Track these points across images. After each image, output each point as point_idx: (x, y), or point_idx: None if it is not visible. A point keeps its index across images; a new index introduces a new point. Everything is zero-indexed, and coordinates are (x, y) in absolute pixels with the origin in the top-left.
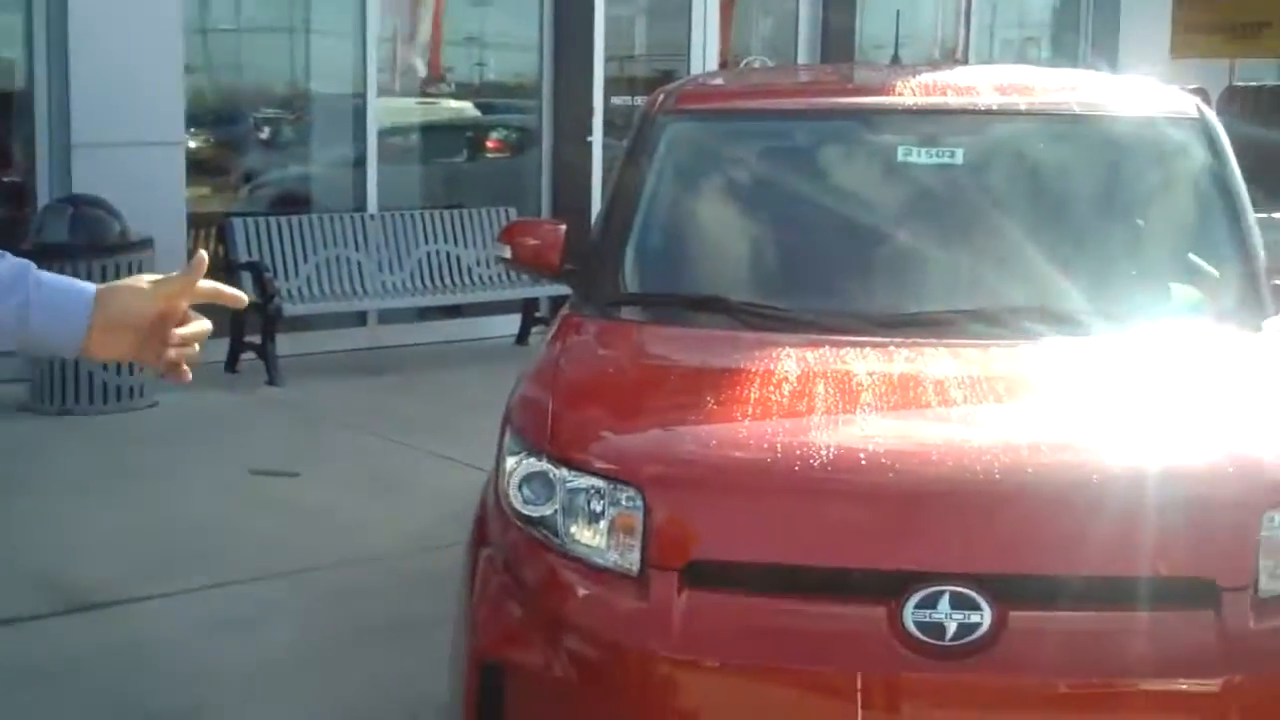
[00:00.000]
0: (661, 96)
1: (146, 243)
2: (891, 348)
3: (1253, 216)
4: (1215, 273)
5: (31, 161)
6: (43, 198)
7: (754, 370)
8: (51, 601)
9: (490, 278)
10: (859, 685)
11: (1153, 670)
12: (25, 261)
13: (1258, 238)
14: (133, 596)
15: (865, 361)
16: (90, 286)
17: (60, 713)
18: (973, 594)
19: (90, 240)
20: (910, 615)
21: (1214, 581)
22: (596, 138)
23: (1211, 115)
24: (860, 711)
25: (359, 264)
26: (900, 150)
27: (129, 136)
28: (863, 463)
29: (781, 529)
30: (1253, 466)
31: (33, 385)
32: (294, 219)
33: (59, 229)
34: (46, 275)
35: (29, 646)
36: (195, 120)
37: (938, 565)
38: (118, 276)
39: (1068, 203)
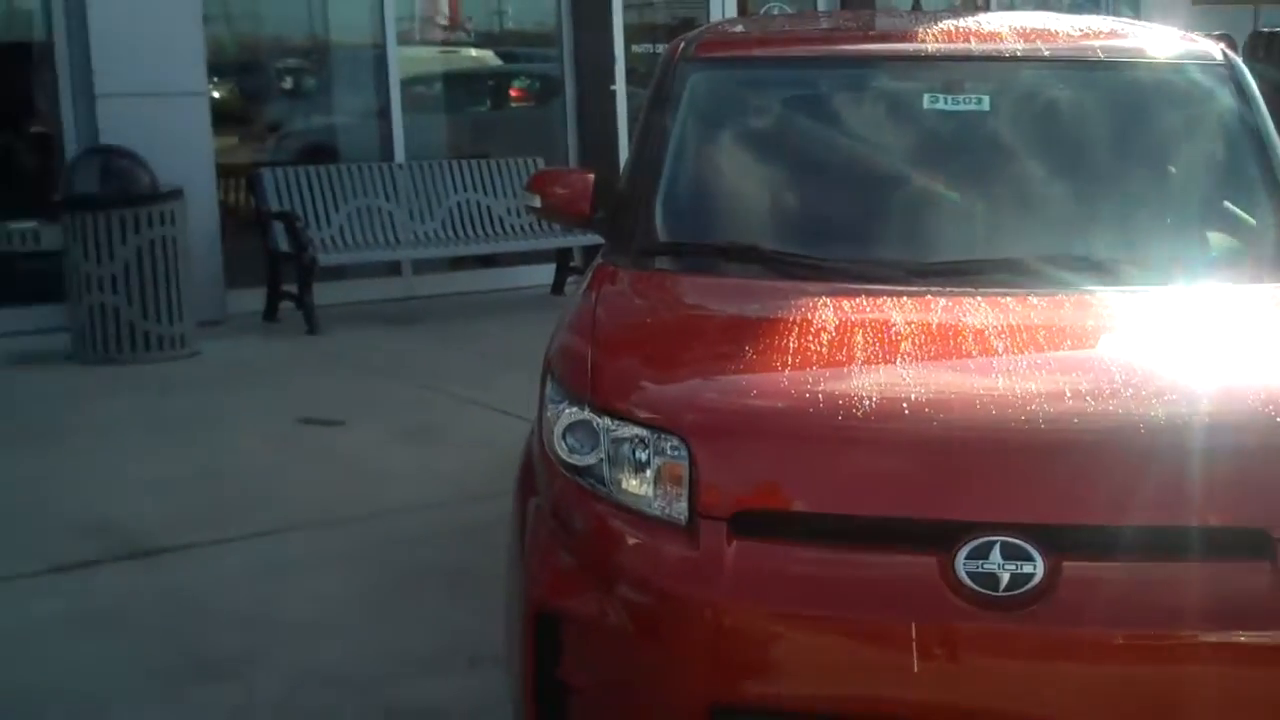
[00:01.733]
0: (683, 44)
1: (176, 193)
2: (928, 296)
3: None
4: (1251, 220)
5: (55, 112)
6: (69, 148)
7: (792, 319)
8: (102, 549)
9: (522, 227)
10: (914, 635)
11: (1207, 621)
12: None
13: None
14: (183, 543)
15: (902, 310)
16: None
17: (113, 659)
18: (1024, 544)
19: (122, 190)
20: (962, 565)
21: (1268, 532)
22: (620, 86)
23: (1238, 61)
24: (916, 662)
25: (390, 214)
26: (926, 98)
27: (151, 87)
28: (906, 411)
29: (828, 478)
30: None
31: (75, 335)
32: (323, 169)
33: (90, 179)
34: None
35: (80, 593)
36: (217, 71)
37: (987, 515)
38: (150, 226)
39: (1099, 151)
